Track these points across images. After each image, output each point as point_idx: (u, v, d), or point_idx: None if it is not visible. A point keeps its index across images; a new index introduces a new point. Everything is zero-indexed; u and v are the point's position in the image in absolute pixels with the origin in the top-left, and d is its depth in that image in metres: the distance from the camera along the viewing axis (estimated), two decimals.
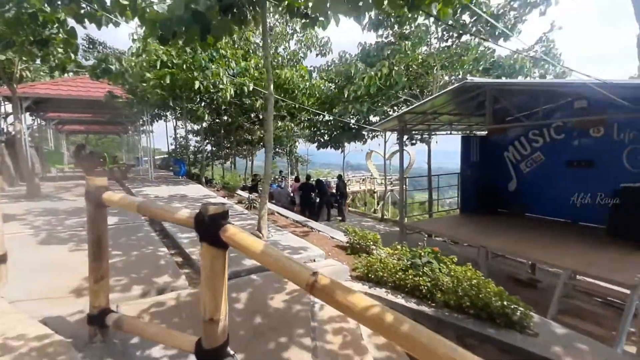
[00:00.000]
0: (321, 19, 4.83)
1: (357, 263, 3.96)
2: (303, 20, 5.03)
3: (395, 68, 8.47)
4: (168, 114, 16.86)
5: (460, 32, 8.77)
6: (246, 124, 13.69)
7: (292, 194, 14.58)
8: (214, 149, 22.21)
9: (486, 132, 9.83)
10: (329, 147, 17.15)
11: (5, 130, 11.72)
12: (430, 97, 6.85)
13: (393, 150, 24.64)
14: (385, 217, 14.57)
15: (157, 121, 15.30)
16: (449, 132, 9.49)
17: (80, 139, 30.15)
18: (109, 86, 10.86)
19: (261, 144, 21.88)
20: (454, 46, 9.36)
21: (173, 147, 25.43)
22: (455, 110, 8.43)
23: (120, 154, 32.97)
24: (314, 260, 4.00)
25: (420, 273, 3.09)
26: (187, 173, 12.93)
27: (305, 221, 6.30)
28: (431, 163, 11.42)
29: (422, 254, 3.34)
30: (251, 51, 11.22)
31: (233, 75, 9.72)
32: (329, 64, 13.18)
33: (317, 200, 13.06)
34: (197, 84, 8.73)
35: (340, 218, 13.85)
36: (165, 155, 26.58)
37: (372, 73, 7.98)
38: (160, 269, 3.50)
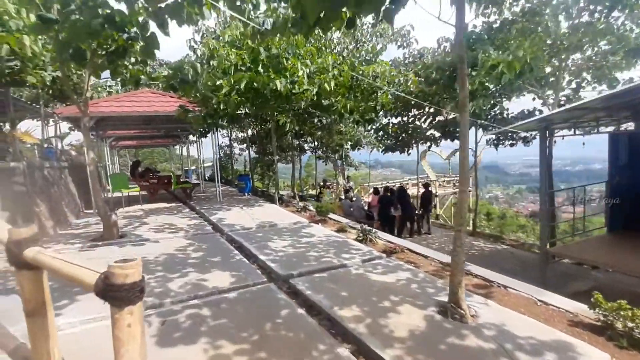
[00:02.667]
0: None
1: None
2: None
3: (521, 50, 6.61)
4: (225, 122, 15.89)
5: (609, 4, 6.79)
6: (313, 129, 12.33)
7: (365, 207, 13.00)
8: (257, 155, 21.24)
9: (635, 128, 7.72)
10: (395, 150, 15.48)
11: (59, 150, 11.05)
12: (627, 87, 4.98)
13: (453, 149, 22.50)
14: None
15: (213, 132, 14.37)
16: (594, 130, 7.48)
17: (124, 152, 30.35)
18: (172, 99, 9.83)
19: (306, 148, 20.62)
20: (596, 21, 7.37)
21: (219, 156, 24.80)
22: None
23: (168, 166, 33.04)
24: None
25: None
26: (252, 189, 11.72)
27: None
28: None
29: None
30: (323, 47, 9.78)
31: (309, 76, 8.30)
32: (406, 56, 11.46)
33: (397, 213, 11.35)
34: (277, 84, 7.38)
35: (424, 231, 12.09)
36: (210, 164, 25.96)
37: (510, 59, 6.21)
38: None
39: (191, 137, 18.30)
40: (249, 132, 19.47)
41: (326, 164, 23.29)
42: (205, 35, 11.14)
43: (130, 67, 5.89)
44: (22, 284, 1.78)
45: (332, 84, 8.19)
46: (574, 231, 7.92)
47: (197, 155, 15.09)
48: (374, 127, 14.51)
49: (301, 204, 9.17)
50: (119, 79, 6.11)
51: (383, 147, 14.94)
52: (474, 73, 7.65)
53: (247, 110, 8.67)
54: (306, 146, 20.85)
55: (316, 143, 19.70)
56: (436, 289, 3.65)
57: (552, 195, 7.73)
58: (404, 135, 13.89)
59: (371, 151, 16.75)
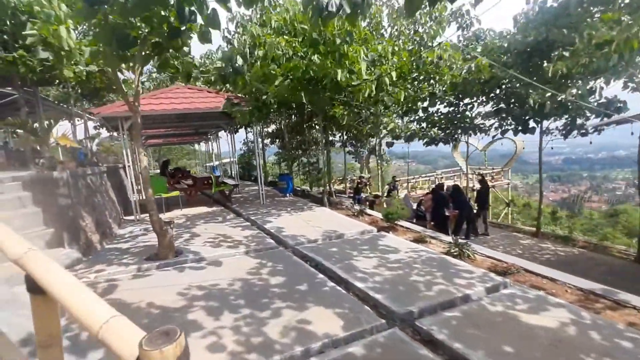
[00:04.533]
0: None
1: None
2: None
3: None
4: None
5: None
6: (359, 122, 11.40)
7: (414, 206, 12.04)
8: (280, 150, 20.45)
9: None
10: (439, 142, 14.36)
11: (90, 152, 10.48)
12: None
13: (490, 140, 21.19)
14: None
15: (247, 127, 13.69)
16: None
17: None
18: (209, 94, 9.05)
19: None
20: None
21: (243, 152, 24.07)
22: None
23: (188, 162, 32.64)
24: None
25: None
26: (293, 189, 10.93)
27: (613, 295, 3.70)
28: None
29: None
30: (373, 32, 8.77)
31: (368, 66, 7.36)
32: (460, 39, 10.31)
33: (451, 213, 10.34)
34: (339, 74, 6.49)
35: (481, 232, 11.07)
36: (220, 161, 25.23)
37: (624, 36, 5.09)
38: None
39: (220, 133, 17.69)
40: (273, 126, 18.64)
41: (356, 160, 22.28)
42: (239, 24, 10.26)
43: (181, 58, 5.09)
44: None
45: (394, 75, 7.26)
46: None
47: (231, 151, 14.41)
48: (416, 117, 13.43)
49: (356, 207, 8.30)
50: (169, 72, 5.31)
51: (426, 139, 13.84)
52: (566, 53, 6.53)
53: (295, 103, 7.85)
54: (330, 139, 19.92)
55: (345, 136, 18.77)
56: (628, 340, 2.73)
57: None
58: (449, 125, 12.78)
59: (409, 145, 15.72)
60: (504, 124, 9.39)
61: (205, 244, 5.68)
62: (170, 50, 4.79)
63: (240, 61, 6.20)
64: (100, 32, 4.14)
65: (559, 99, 6.61)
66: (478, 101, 11.25)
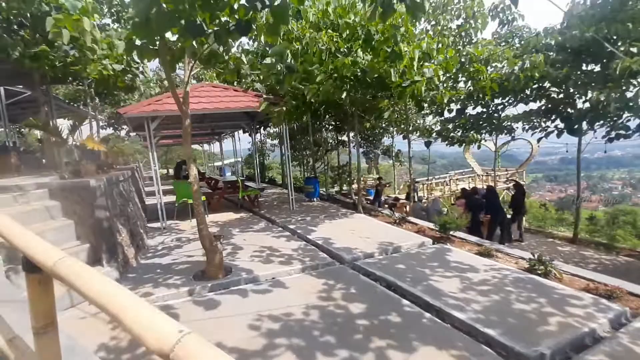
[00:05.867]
0: None
1: None
2: None
3: None
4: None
5: None
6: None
7: (444, 212, 11.55)
8: (289, 152, 19.92)
9: None
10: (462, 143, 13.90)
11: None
12: None
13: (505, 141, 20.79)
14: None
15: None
16: None
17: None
18: (236, 92, 8.47)
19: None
20: None
21: (250, 152, 23.48)
22: None
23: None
24: None
25: None
26: (320, 194, 10.39)
27: None
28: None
29: None
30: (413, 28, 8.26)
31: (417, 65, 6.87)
32: (494, 36, 9.81)
33: (485, 218, 9.86)
34: (392, 74, 5.99)
35: (514, 237, 10.61)
36: (235, 160, 24.65)
37: None
38: None
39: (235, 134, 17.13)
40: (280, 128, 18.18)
41: (372, 160, 21.75)
42: None
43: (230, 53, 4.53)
44: None
45: (441, 74, 6.80)
46: None
47: (253, 150, 13.86)
48: (442, 117, 12.98)
49: (397, 214, 7.77)
50: (218, 69, 4.73)
51: (450, 140, 13.35)
52: (633, 49, 6.05)
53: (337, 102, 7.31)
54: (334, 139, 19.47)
55: (359, 137, 18.29)
56: None
57: None
58: (475, 126, 12.31)
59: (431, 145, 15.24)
60: (550, 125, 8.88)
61: (253, 259, 5.12)
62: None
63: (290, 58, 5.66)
64: (154, 21, 3.56)
65: (630, 97, 6.14)
66: (510, 101, 10.80)
